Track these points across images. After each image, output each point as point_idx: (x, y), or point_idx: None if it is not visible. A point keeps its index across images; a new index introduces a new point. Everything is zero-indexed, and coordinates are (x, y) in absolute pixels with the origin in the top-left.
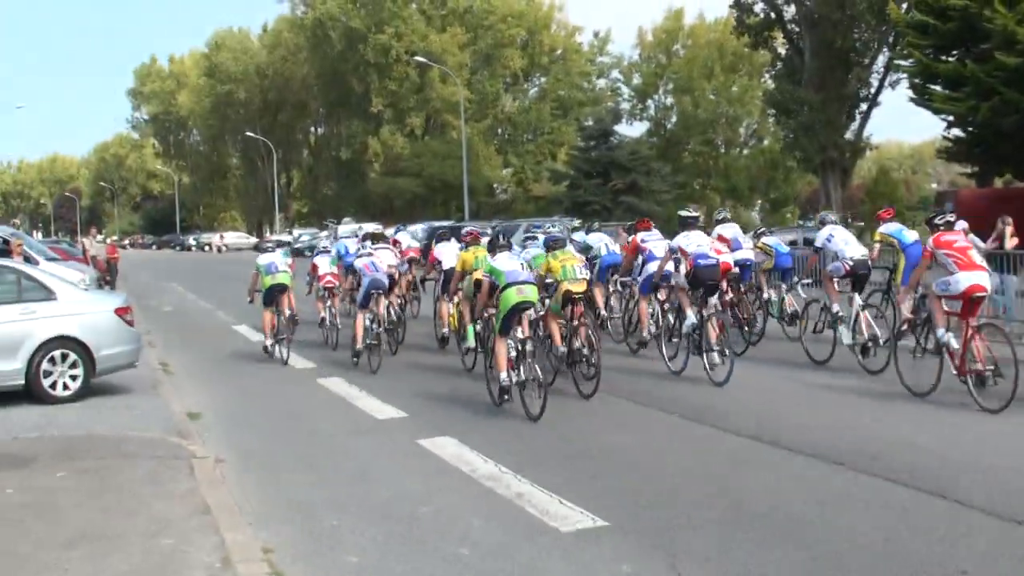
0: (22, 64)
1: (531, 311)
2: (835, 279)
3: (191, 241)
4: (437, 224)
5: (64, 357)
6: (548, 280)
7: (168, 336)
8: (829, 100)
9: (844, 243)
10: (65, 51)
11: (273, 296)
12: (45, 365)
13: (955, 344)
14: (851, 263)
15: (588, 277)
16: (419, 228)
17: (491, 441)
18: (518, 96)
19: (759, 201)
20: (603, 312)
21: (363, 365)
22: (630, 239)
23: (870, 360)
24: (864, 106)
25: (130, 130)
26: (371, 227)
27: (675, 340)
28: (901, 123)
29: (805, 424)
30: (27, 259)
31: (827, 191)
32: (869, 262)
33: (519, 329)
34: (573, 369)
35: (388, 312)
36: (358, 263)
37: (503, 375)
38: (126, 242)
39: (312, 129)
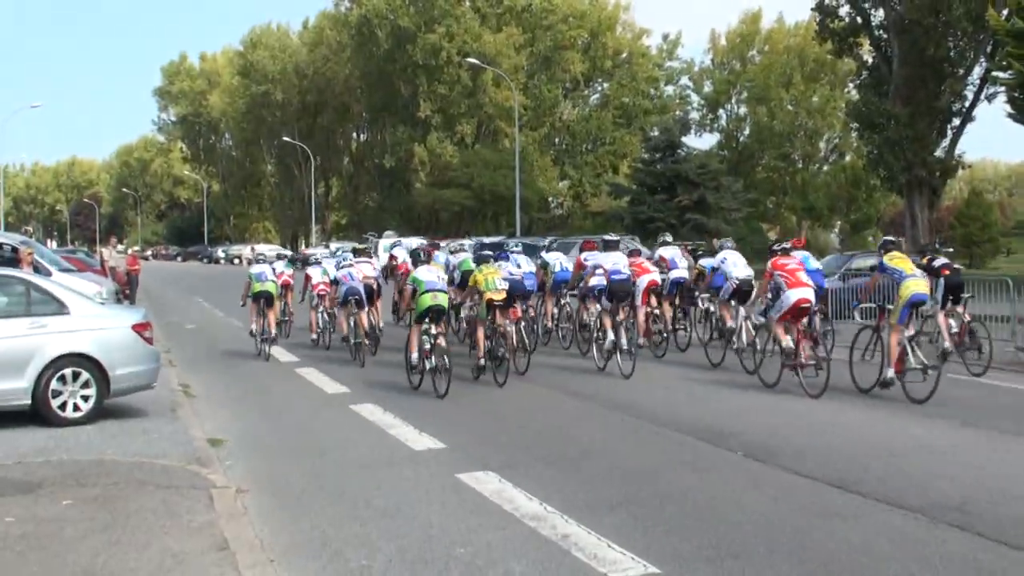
0: (40, 59)
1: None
2: (726, 297)
3: (220, 253)
4: (488, 240)
5: (76, 376)
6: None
7: (190, 355)
8: (918, 114)
9: (733, 265)
10: (87, 46)
11: (259, 301)
12: (55, 384)
13: (791, 345)
14: (737, 282)
15: (507, 288)
16: (465, 243)
17: (536, 477)
18: (578, 103)
19: (838, 222)
20: (549, 323)
21: (352, 360)
22: (695, 263)
23: (748, 362)
24: (957, 121)
25: (156, 132)
26: (396, 236)
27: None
28: (997, 141)
29: (697, 412)
30: (36, 269)
31: (913, 213)
32: (752, 281)
33: (433, 327)
34: (495, 364)
35: (367, 321)
36: (338, 274)
37: (414, 355)
38: (148, 253)
39: (354, 135)
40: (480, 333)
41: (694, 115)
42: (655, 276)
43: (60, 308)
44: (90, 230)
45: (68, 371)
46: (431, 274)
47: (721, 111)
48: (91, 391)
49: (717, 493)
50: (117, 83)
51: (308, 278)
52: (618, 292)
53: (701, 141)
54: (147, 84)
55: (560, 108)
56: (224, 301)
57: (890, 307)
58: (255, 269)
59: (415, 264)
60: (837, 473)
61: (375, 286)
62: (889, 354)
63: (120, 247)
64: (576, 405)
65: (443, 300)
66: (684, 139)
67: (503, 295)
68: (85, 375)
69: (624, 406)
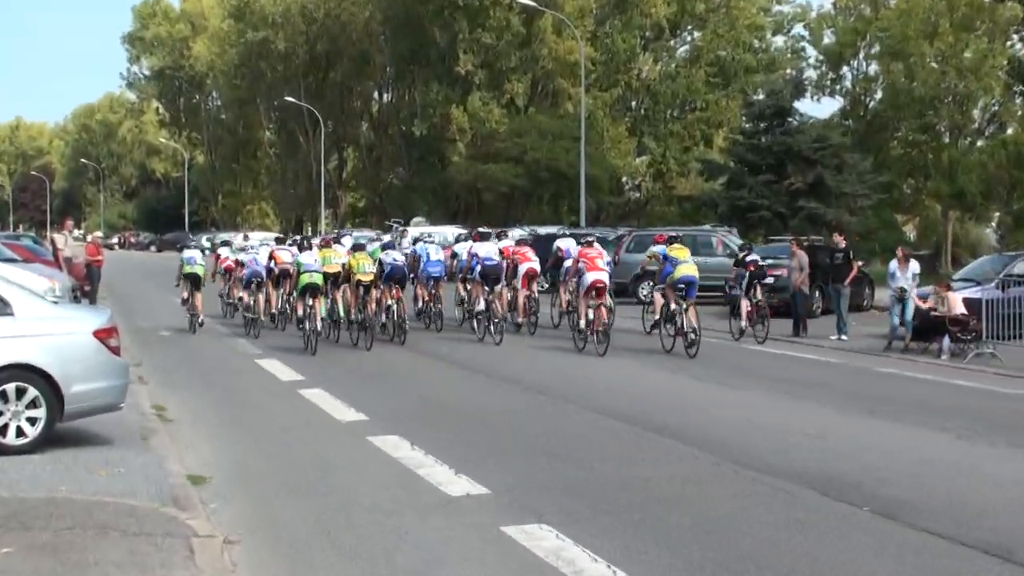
0: None
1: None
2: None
3: (204, 242)
4: (544, 231)
5: (20, 393)
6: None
7: (167, 370)
8: None
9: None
10: None
11: (188, 281)
12: None
13: (590, 315)
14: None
15: (374, 271)
16: (517, 232)
17: (601, 531)
18: (661, 57)
19: (996, 214)
20: (420, 304)
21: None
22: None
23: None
24: None
25: (125, 89)
26: (427, 223)
27: (497, 321)
28: None
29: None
30: None
31: None
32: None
33: (312, 301)
34: (364, 330)
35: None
36: (244, 257)
37: (307, 323)
38: (114, 240)
39: (375, 94)
40: (353, 303)
41: (810, 74)
42: (534, 264)
43: (1, 308)
44: (39, 211)
45: (10, 387)
46: (310, 257)
47: (845, 69)
48: (40, 412)
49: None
50: (76, 26)
51: (217, 256)
52: (490, 275)
53: (819, 107)
54: (114, 29)
55: (638, 64)
56: (209, 302)
57: None
58: (186, 254)
59: (300, 249)
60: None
61: (404, 272)
62: None
63: (77, 233)
64: (459, 373)
65: (318, 279)
66: (797, 105)
67: (370, 277)
68: (32, 392)
69: (493, 371)
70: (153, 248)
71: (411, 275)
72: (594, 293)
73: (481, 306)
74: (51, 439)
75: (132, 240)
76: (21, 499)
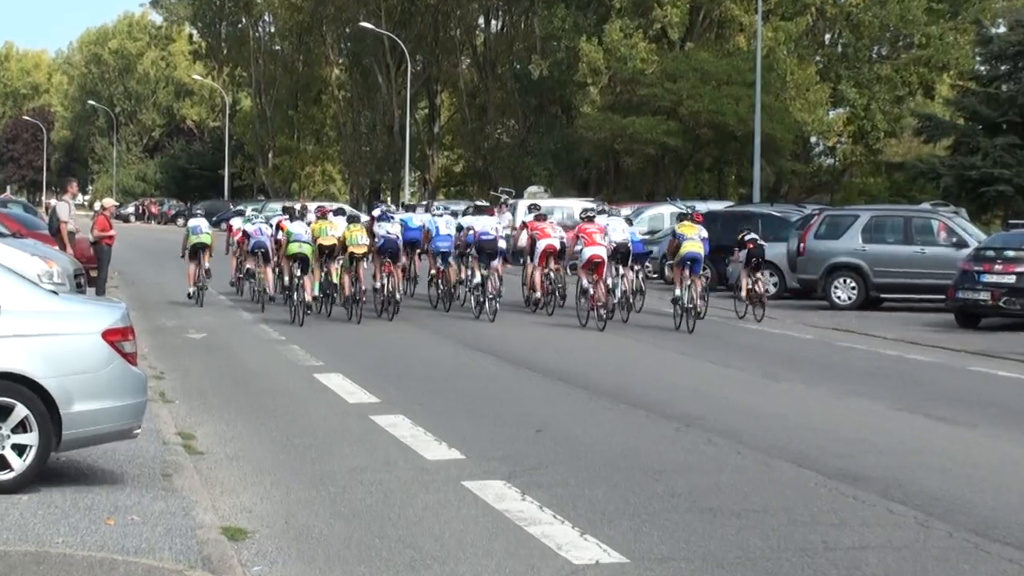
0: None
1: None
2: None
3: (250, 213)
4: (707, 207)
5: (3, 412)
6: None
7: (196, 384)
8: None
9: (612, 230)
10: None
11: (196, 253)
12: None
13: (590, 291)
14: (615, 244)
15: (368, 243)
16: (666, 210)
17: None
18: None
19: None
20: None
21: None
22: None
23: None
24: None
25: (148, 8)
26: (546, 195)
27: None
28: None
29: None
30: None
31: None
32: (629, 246)
33: (299, 272)
34: (356, 305)
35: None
36: (249, 228)
37: (296, 295)
38: (130, 210)
39: (479, 20)
40: (346, 279)
41: None
42: (554, 241)
43: None
44: (33, 168)
45: None
46: (299, 227)
47: None
48: (30, 438)
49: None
50: None
51: (230, 228)
52: (484, 249)
53: None
54: None
55: None
56: (219, 278)
57: None
58: (192, 223)
59: (291, 219)
60: None
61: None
62: None
63: (83, 199)
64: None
65: (306, 249)
66: None
67: (364, 249)
68: (20, 411)
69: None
70: (181, 221)
71: (422, 249)
72: (591, 268)
73: (477, 279)
74: (45, 474)
75: (154, 210)
76: (5, 554)
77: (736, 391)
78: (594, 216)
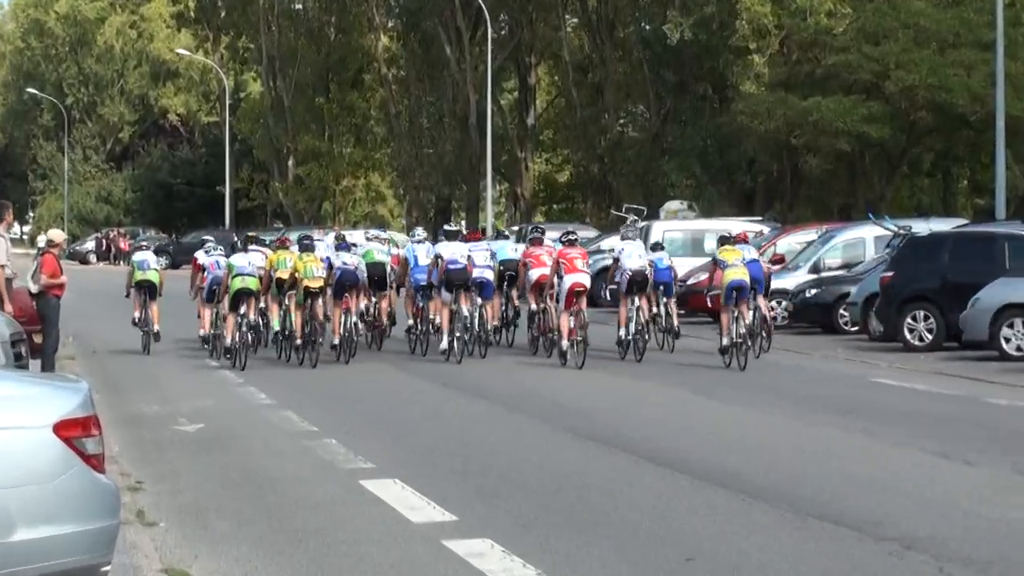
0: None
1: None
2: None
3: (209, 244)
4: (929, 227)
5: None
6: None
7: (191, 498)
8: None
9: (627, 256)
10: None
11: (141, 290)
12: None
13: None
14: (630, 273)
15: (323, 276)
16: (868, 232)
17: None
18: None
19: None
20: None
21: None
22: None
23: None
24: None
25: None
26: (692, 213)
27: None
28: None
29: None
30: None
31: None
32: (647, 274)
33: (249, 310)
34: (309, 345)
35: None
36: (205, 260)
37: (228, 340)
38: (89, 245)
39: None
40: (298, 319)
41: None
42: (582, 278)
43: None
44: None
45: None
46: (242, 260)
47: None
48: None
49: None
50: None
51: (195, 263)
52: (454, 281)
53: None
54: None
55: None
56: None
57: None
58: (138, 256)
59: (235, 251)
60: None
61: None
62: None
63: (20, 231)
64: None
65: (251, 283)
66: None
67: (319, 283)
68: None
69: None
70: (163, 260)
71: (399, 284)
72: (574, 298)
73: (440, 320)
74: None
75: (124, 245)
76: None
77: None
78: (575, 240)
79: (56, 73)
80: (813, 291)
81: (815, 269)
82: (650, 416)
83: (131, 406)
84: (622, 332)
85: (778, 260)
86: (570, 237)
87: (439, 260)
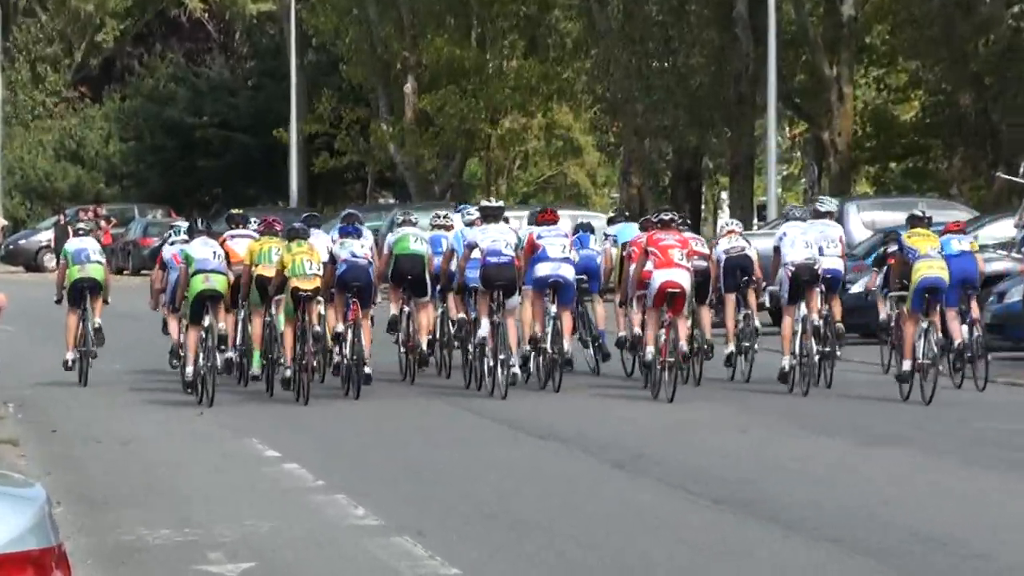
0: None
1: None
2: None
3: (172, 229)
4: None
5: None
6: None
7: None
8: None
9: (790, 244)
10: None
11: (79, 296)
12: None
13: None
14: (792, 269)
15: (319, 273)
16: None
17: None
18: None
19: None
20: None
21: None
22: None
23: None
24: None
25: None
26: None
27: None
28: None
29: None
30: None
31: None
32: (814, 267)
33: (209, 320)
34: (296, 379)
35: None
36: (168, 253)
37: (190, 367)
38: (41, 239)
39: None
40: (288, 335)
41: None
42: (677, 276)
43: None
44: None
45: None
46: (206, 250)
47: None
48: None
49: None
50: None
51: (159, 261)
52: (494, 280)
53: None
54: None
55: None
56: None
57: None
58: (72, 245)
59: (190, 234)
60: None
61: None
62: None
63: None
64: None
65: (218, 283)
66: None
67: (314, 283)
68: None
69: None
70: (175, 253)
71: (442, 285)
72: (665, 304)
73: (482, 330)
74: None
75: (106, 233)
76: None
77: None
78: (674, 221)
79: None
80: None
81: None
82: (813, 480)
83: (120, 525)
84: (785, 361)
85: None
86: (663, 217)
87: (473, 250)
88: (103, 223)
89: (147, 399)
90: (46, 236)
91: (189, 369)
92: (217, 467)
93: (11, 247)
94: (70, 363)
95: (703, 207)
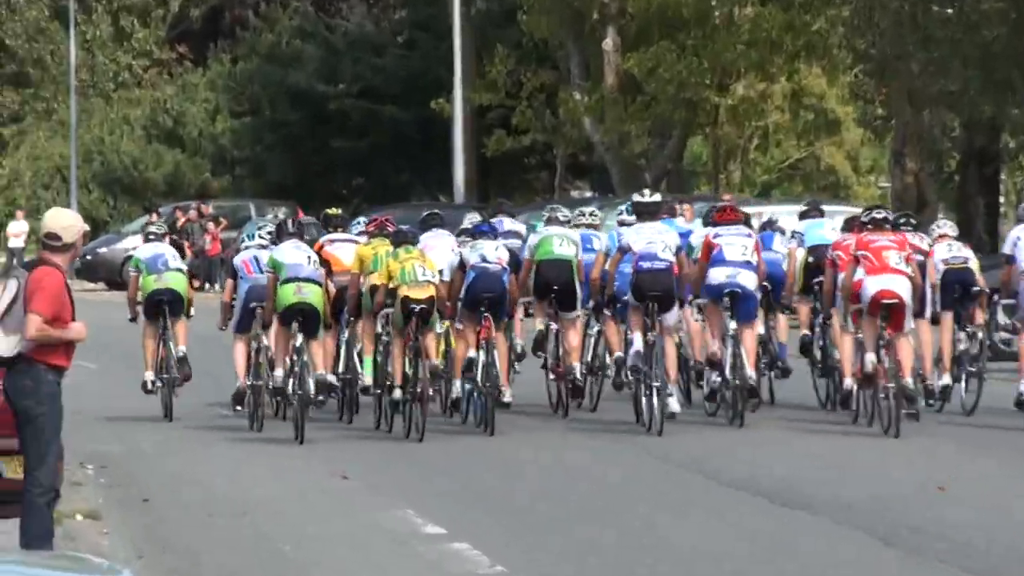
0: None
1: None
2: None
3: (248, 230)
4: None
5: None
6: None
7: None
8: None
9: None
10: None
11: (157, 309)
12: None
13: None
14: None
15: (434, 280)
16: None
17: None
18: None
19: None
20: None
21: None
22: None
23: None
24: None
25: None
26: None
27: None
28: None
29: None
30: None
31: None
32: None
33: (302, 340)
34: (409, 407)
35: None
36: (238, 260)
37: (279, 373)
38: (129, 245)
39: None
40: (396, 352)
41: None
42: (897, 284)
43: None
44: None
45: None
46: (298, 254)
47: None
48: None
49: None
50: None
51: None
52: (647, 291)
53: None
54: None
55: None
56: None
57: None
58: (146, 251)
59: (278, 237)
60: None
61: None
62: None
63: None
64: None
65: (313, 297)
66: None
67: (428, 291)
68: None
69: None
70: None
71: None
72: (881, 318)
73: (636, 347)
74: None
75: (214, 239)
76: None
77: None
78: (888, 221)
79: None
80: None
81: None
82: None
83: None
84: (943, 380)
85: None
86: (875, 216)
87: (626, 252)
88: (210, 225)
89: (259, 450)
90: (134, 242)
91: (279, 374)
92: (363, 543)
93: (89, 257)
94: (150, 386)
95: (1001, 199)
